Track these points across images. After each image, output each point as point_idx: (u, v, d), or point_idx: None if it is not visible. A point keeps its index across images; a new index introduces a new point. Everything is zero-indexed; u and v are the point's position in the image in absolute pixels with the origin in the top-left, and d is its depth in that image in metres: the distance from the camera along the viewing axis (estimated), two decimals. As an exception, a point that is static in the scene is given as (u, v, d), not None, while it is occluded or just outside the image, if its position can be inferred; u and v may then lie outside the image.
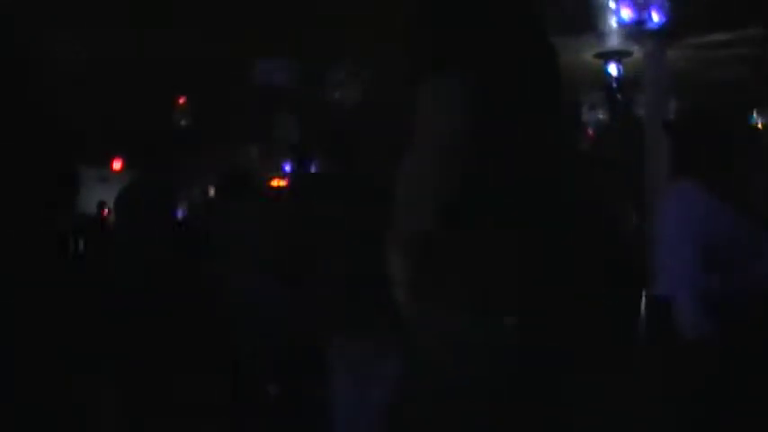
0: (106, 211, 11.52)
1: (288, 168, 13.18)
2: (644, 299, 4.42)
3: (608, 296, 4.52)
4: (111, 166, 13.45)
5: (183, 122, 10.13)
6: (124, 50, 7.80)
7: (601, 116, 8.88)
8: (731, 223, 2.79)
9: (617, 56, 7.98)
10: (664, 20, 6.45)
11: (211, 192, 10.89)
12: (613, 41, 7.61)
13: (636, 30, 6.80)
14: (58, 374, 2.96)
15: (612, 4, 6.43)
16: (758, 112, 9.04)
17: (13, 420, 2.70)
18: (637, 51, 7.75)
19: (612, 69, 8.07)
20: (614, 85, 8.23)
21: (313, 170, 12.92)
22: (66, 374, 3.08)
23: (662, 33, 6.84)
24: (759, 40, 7.20)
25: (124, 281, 4.96)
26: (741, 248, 2.78)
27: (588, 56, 7.99)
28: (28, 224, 2.90)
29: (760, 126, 8.90)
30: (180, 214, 6.61)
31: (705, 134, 2.97)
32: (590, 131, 10.07)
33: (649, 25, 6.54)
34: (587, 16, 7.03)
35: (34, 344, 2.85)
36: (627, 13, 6.42)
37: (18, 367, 2.76)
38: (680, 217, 2.86)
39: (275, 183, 13.10)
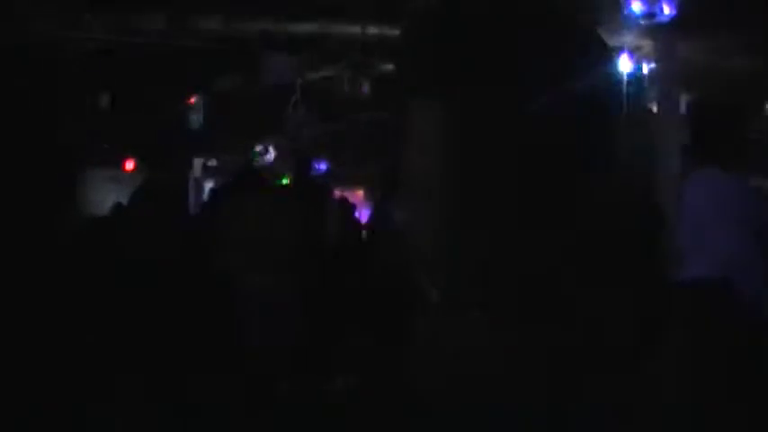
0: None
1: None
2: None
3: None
4: (124, 167, 13.49)
5: (194, 121, 10.17)
6: (136, 48, 7.84)
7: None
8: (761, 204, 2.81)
9: (628, 49, 7.96)
10: (674, 13, 6.44)
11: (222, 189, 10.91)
12: (624, 35, 7.59)
13: (647, 23, 6.79)
14: (66, 374, 2.98)
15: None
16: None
17: (19, 419, 2.72)
18: (648, 45, 7.73)
19: (623, 63, 8.05)
20: (625, 78, 8.21)
21: (323, 168, 12.96)
22: (75, 374, 3.10)
23: (673, 26, 6.82)
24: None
25: (136, 280, 4.98)
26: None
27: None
28: (36, 222, 2.92)
29: None
30: (192, 213, 6.62)
31: (733, 124, 3.00)
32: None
33: (660, 18, 6.52)
34: (598, 10, 7.01)
35: (41, 343, 2.86)
36: (638, 6, 6.41)
37: (26, 367, 2.77)
38: (717, 197, 2.85)
39: (286, 180, 13.09)
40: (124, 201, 6.57)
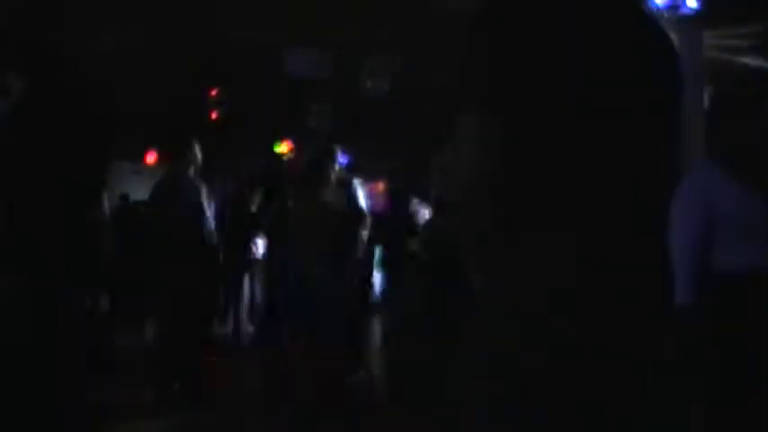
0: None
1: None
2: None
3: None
4: (145, 160, 13.53)
5: (215, 114, 10.19)
6: (157, 43, 7.87)
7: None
8: (743, 203, 2.80)
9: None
10: (698, 5, 6.36)
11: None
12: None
13: (670, 15, 6.71)
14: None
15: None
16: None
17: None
18: (671, 37, 7.64)
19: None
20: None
21: (345, 161, 12.94)
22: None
23: (697, 19, 6.74)
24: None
25: (158, 272, 5.02)
26: (752, 228, 2.78)
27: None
28: (64, 214, 2.94)
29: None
30: (214, 206, 6.65)
31: (731, 116, 2.97)
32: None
33: (684, 10, 6.45)
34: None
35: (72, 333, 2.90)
36: (661, -2, 6.34)
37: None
38: (686, 193, 2.85)
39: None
40: (146, 194, 6.63)
